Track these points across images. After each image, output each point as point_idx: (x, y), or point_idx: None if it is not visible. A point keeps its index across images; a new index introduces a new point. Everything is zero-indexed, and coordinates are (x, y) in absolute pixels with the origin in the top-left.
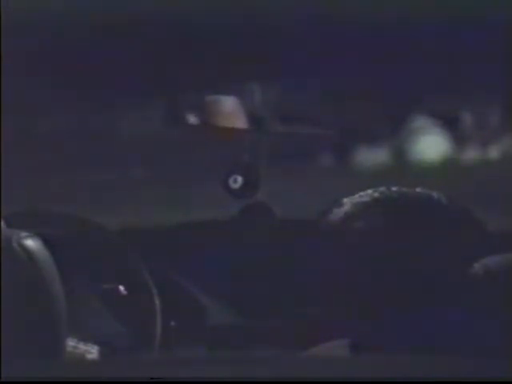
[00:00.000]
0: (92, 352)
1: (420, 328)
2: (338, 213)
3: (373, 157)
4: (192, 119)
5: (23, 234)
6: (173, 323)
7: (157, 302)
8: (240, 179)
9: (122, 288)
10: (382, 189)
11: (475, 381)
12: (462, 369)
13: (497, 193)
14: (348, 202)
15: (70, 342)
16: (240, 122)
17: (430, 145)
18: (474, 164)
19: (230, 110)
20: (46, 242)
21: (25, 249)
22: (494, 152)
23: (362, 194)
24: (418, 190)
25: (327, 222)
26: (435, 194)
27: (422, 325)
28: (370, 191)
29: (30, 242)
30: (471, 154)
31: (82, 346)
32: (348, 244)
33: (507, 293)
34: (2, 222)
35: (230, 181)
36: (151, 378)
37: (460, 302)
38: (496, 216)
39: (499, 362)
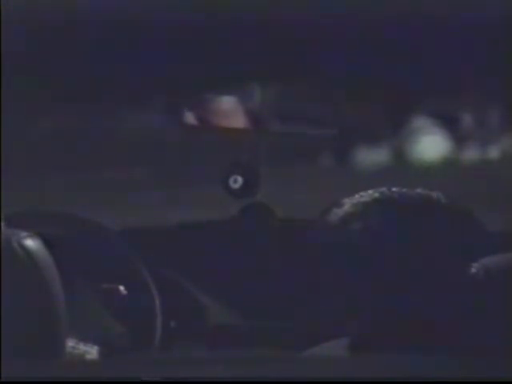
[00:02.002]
0: (91, 352)
1: (419, 328)
2: (337, 213)
3: (373, 157)
4: (192, 119)
5: (23, 233)
6: (173, 323)
7: (157, 302)
8: (240, 179)
9: (121, 288)
10: (383, 189)
11: (475, 381)
12: (462, 369)
13: (497, 193)
14: (348, 202)
15: (70, 343)
16: (240, 122)
17: (430, 145)
18: (474, 164)
19: (230, 110)
20: (46, 241)
21: (25, 249)
22: (493, 152)
23: (362, 193)
24: (419, 190)
25: (327, 222)
26: (435, 195)
27: (422, 325)
28: (370, 191)
29: (30, 242)
30: (471, 154)
31: (82, 347)
32: (347, 244)
33: (507, 293)
34: (2, 222)
35: (230, 181)
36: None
37: (460, 302)
38: (496, 216)
39: (499, 362)
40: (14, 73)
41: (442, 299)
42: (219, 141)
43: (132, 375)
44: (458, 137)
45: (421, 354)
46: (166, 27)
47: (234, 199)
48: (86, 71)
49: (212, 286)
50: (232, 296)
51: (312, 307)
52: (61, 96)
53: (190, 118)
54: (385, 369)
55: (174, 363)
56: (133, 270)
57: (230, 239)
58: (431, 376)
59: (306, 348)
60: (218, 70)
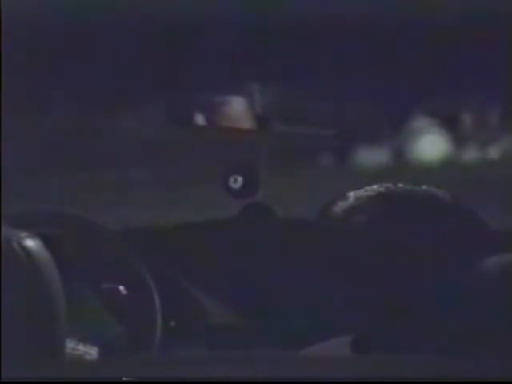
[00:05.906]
0: (91, 354)
1: (420, 327)
2: (341, 206)
3: (373, 157)
4: (192, 119)
5: (23, 233)
6: (173, 323)
7: (157, 301)
8: (240, 179)
9: (121, 288)
10: (388, 184)
11: (475, 381)
12: (462, 369)
13: (497, 193)
14: (353, 196)
15: (70, 344)
16: (240, 123)
17: (430, 145)
18: (474, 164)
19: (231, 111)
20: (46, 242)
21: (25, 249)
22: (493, 152)
23: (367, 188)
24: (424, 187)
25: (330, 214)
26: (441, 193)
27: (422, 324)
28: (375, 186)
29: (30, 242)
30: (471, 154)
31: (82, 348)
32: (349, 238)
33: (507, 293)
34: (2, 222)
35: (230, 181)
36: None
37: (461, 302)
38: (496, 216)
39: (499, 362)
40: (13, 73)
41: (442, 298)
42: (219, 141)
43: (132, 375)
44: (458, 137)
45: (421, 353)
46: (165, 27)
47: (234, 199)
48: (87, 71)
49: (212, 286)
50: (232, 296)
51: (312, 306)
52: (61, 96)
53: (190, 118)
54: (385, 369)
55: (173, 363)
56: (133, 270)
57: (230, 239)
58: (431, 376)
59: (305, 348)
60: (218, 70)
